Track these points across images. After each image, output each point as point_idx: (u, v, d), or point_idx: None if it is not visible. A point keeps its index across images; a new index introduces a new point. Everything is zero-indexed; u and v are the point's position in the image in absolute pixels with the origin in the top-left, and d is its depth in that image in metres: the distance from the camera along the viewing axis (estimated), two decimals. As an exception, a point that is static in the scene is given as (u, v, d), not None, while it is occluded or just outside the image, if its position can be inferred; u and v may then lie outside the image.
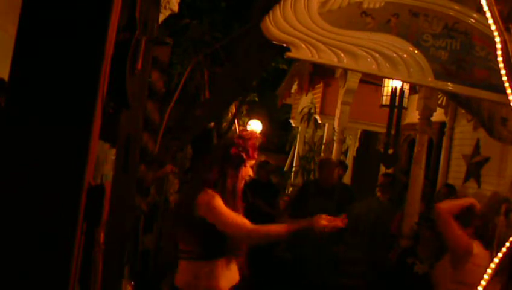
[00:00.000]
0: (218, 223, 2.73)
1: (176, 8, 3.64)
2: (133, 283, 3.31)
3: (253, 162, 2.98)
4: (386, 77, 6.00)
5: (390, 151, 6.59)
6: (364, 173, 10.73)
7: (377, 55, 3.71)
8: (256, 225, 2.80)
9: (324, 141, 9.96)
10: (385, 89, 6.83)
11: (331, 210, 5.57)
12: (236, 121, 7.70)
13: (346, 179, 8.87)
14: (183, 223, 2.87)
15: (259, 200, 6.39)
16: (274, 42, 3.63)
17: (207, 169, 2.88)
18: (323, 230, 2.73)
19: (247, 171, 2.97)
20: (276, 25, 3.57)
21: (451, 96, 4.69)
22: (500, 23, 3.61)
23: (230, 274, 2.84)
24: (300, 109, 11.81)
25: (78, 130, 1.47)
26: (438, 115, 7.43)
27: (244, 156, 2.90)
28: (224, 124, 7.45)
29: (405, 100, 6.70)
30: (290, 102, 12.24)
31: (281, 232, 2.80)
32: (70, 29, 1.49)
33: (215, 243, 2.78)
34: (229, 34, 5.15)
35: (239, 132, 3.11)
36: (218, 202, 2.76)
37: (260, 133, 3.01)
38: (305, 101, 11.38)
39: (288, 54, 3.65)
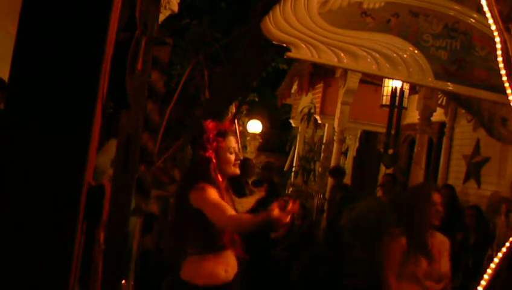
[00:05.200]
0: (207, 212, 2.74)
1: (175, 8, 3.63)
2: (133, 283, 3.31)
3: (221, 141, 2.90)
4: (386, 77, 6.00)
5: (390, 151, 6.60)
6: (364, 173, 10.73)
7: (377, 55, 3.71)
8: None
9: (324, 141, 9.96)
10: (385, 89, 6.83)
11: None
12: (236, 121, 7.72)
13: (347, 179, 8.86)
14: (183, 219, 2.90)
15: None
16: (274, 42, 3.63)
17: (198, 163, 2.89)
18: (279, 219, 2.57)
19: (229, 146, 2.91)
20: (276, 25, 3.57)
21: (451, 96, 4.70)
22: (500, 23, 3.62)
23: (230, 265, 2.89)
24: (300, 109, 11.81)
25: (77, 130, 1.48)
26: (438, 115, 7.43)
27: (203, 153, 2.86)
28: (224, 124, 7.46)
29: (405, 100, 6.70)
30: (290, 102, 12.23)
31: (255, 220, 2.67)
32: (70, 29, 1.49)
33: (213, 237, 2.82)
34: (229, 34, 5.15)
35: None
36: (208, 193, 2.76)
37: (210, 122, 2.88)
38: (305, 101, 11.38)
39: (288, 54, 3.65)
